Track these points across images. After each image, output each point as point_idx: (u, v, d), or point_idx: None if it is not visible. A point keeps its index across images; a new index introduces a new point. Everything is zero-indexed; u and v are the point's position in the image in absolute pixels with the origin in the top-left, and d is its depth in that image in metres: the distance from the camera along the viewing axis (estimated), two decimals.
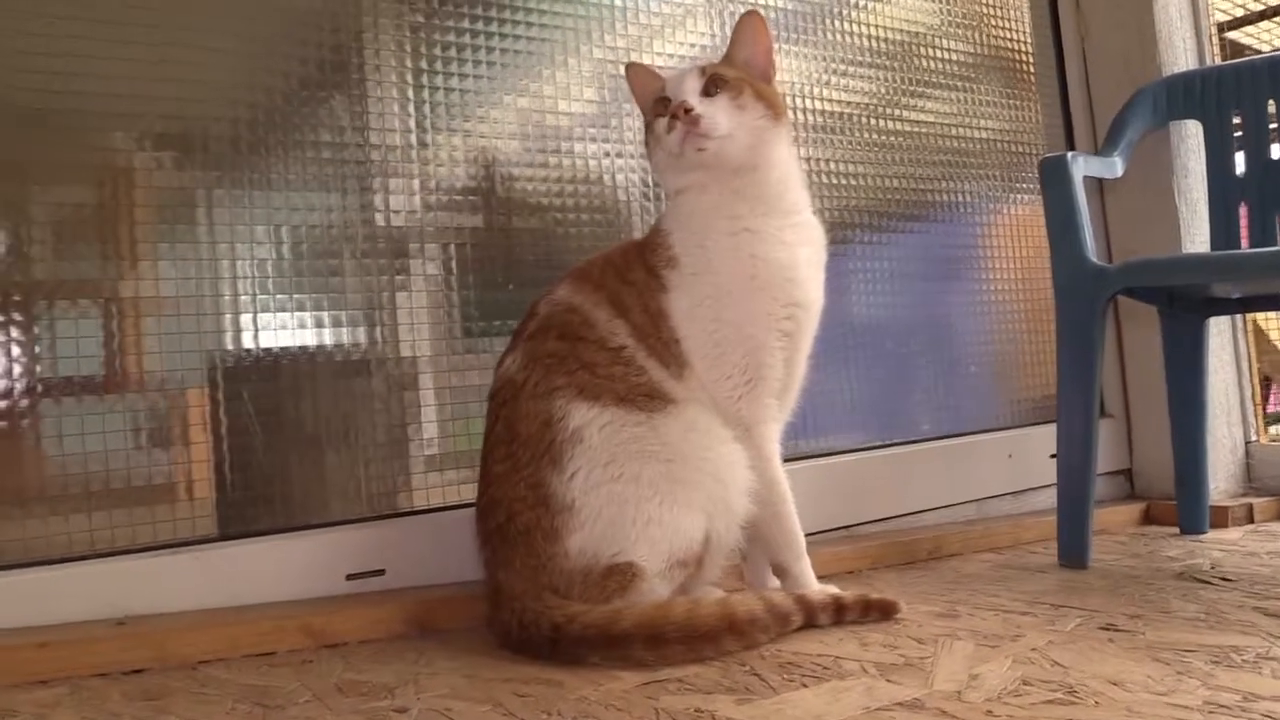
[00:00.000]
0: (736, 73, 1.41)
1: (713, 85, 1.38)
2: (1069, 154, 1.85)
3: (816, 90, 2.15)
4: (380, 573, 1.47)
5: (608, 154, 1.90)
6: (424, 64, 1.74)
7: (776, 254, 1.38)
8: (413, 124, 1.73)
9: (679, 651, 1.19)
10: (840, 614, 1.36)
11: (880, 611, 1.39)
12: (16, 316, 1.41)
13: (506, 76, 1.84)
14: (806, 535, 1.47)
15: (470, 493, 1.47)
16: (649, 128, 1.45)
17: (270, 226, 1.59)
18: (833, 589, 1.43)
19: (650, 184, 1.95)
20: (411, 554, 1.49)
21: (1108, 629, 1.29)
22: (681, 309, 1.38)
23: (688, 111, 1.34)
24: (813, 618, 1.34)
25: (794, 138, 1.50)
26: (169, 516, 1.45)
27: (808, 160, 2.10)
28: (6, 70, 1.44)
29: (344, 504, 1.60)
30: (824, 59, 2.18)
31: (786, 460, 1.71)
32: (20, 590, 1.29)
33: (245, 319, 1.55)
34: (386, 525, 1.53)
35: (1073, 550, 1.76)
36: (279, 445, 1.56)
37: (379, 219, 1.67)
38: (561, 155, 1.86)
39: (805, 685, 1.09)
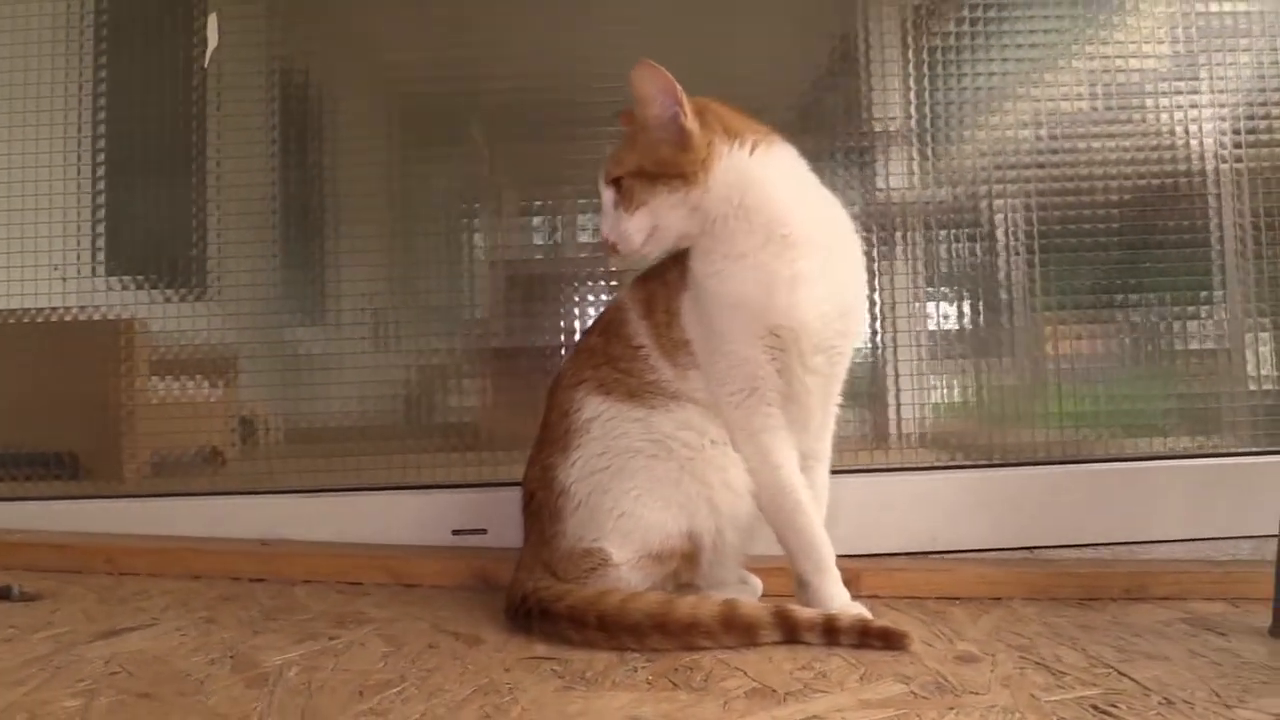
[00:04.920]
0: (627, 164, 1.36)
1: (616, 200, 1.37)
2: None
3: None
4: (483, 531, 1.70)
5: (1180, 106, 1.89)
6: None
7: (745, 288, 1.31)
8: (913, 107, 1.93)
9: (599, 638, 1.23)
10: (832, 635, 1.25)
11: (883, 640, 1.25)
12: None
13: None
14: (966, 551, 1.38)
15: None
16: None
17: None
18: (856, 609, 1.31)
19: (1230, 144, 1.88)
20: (515, 518, 1.68)
21: (1095, 710, 1.03)
22: (690, 311, 1.37)
23: (607, 242, 1.37)
24: (794, 634, 1.25)
25: (753, 150, 1.34)
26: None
27: None
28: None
29: None
30: None
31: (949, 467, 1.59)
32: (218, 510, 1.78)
33: None
34: (496, 491, 1.74)
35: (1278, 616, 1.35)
36: None
37: (879, 196, 1.92)
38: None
39: (646, 689, 1.08)
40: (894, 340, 1.89)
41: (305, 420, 1.94)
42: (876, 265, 1.90)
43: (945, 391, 1.89)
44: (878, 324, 1.90)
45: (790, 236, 1.31)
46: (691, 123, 1.33)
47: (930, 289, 1.90)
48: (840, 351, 1.36)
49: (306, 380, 1.93)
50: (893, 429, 1.88)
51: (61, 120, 1.96)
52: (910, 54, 1.90)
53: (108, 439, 1.92)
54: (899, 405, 1.88)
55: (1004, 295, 1.88)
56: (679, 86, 1.31)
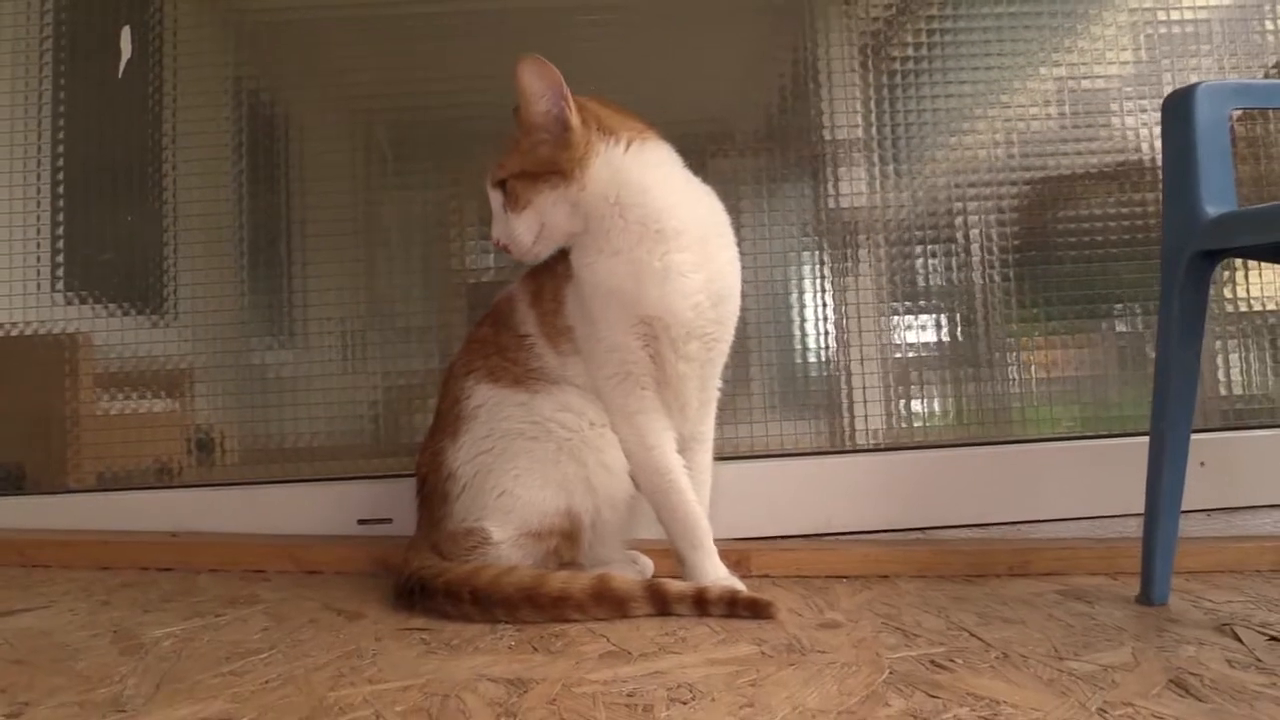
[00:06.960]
0: (510, 166, 1.41)
1: (504, 203, 1.42)
2: (1204, 85, 1.44)
3: None
4: (388, 520, 1.75)
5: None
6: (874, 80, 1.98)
7: (618, 280, 1.36)
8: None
9: (473, 611, 1.28)
10: (702, 607, 1.30)
11: (750, 610, 1.30)
12: None
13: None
14: (860, 533, 1.42)
15: None
16: None
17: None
18: (729, 583, 1.36)
19: None
20: None
21: (932, 665, 1.08)
22: (573, 300, 1.43)
23: (499, 244, 1.43)
24: (665, 606, 1.30)
25: (628, 146, 1.38)
26: None
27: None
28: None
29: None
30: None
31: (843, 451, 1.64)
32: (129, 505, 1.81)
33: None
34: (400, 482, 1.77)
35: (1144, 583, 1.40)
36: None
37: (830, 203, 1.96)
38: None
39: (505, 652, 1.13)
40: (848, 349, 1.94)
41: (260, 441, 1.95)
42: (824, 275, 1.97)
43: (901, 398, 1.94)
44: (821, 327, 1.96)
45: (664, 231, 1.36)
46: (575, 118, 1.38)
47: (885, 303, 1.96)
48: (715, 338, 1.41)
49: (262, 401, 1.94)
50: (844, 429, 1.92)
51: (22, 138, 1.98)
52: (868, 73, 1.96)
53: (54, 452, 1.96)
54: (854, 413, 1.92)
55: (970, 307, 1.94)
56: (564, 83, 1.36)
